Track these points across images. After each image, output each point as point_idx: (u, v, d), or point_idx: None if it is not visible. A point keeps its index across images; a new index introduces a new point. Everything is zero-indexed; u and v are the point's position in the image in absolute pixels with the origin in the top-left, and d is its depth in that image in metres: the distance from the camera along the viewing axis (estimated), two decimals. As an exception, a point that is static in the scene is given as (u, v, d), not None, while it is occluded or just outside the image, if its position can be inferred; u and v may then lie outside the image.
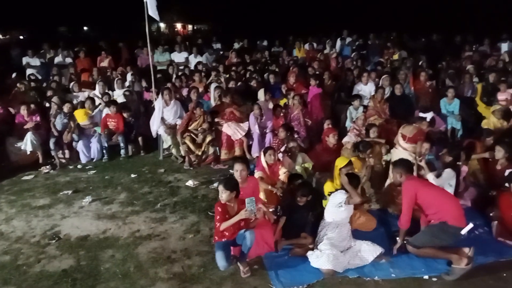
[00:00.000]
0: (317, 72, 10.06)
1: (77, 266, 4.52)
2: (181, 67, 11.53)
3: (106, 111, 8.31)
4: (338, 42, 13.76)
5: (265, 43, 15.58)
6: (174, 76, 10.66)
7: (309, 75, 9.96)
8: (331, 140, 6.60)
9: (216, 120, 7.84)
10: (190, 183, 6.64)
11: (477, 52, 12.50)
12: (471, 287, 4.03)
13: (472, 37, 13.98)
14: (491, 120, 7.46)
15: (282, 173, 5.66)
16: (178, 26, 32.94)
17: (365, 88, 9.06)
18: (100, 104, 8.53)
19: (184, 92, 9.25)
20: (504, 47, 12.85)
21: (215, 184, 6.44)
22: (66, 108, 8.07)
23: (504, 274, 4.22)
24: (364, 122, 7.30)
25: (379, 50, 13.03)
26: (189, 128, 7.56)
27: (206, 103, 8.59)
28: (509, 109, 7.94)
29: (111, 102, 8.30)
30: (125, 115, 8.20)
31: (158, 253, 4.72)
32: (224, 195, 4.23)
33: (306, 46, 13.57)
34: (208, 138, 7.44)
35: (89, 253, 4.76)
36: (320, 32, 15.42)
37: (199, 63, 11.64)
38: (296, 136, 7.39)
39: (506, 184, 4.84)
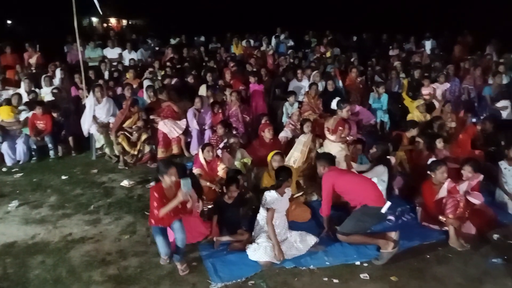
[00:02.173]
0: (255, 69, 10.17)
1: (3, 274, 4.27)
2: (114, 63, 11.13)
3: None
4: (273, 40, 13.99)
5: (202, 39, 15.48)
6: (107, 72, 10.29)
7: (247, 71, 10.05)
8: (267, 135, 6.72)
9: (151, 117, 7.67)
10: (125, 183, 6.46)
11: (403, 49, 13.27)
12: (398, 269, 4.29)
13: (399, 35, 14.80)
14: (415, 114, 7.97)
15: (221, 169, 5.70)
16: (112, 21, 31.68)
17: (300, 85, 9.29)
18: (24, 110, 7.99)
19: (119, 90, 8.96)
20: (428, 44, 13.80)
21: (152, 183, 6.32)
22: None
23: (428, 256, 4.55)
24: (299, 118, 7.51)
25: (314, 48, 13.43)
26: (123, 126, 7.34)
27: (141, 100, 8.38)
28: (432, 103, 8.54)
29: (37, 103, 7.83)
30: (54, 114, 7.79)
31: (92, 256, 4.57)
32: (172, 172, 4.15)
33: (243, 43, 13.67)
34: (144, 136, 7.25)
35: (16, 260, 4.51)
36: (257, 29, 15.56)
37: (133, 59, 11.33)
38: (234, 132, 7.43)
39: (429, 173, 5.18)
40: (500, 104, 8.41)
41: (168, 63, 10.75)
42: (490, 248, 4.70)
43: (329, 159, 5.00)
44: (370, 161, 6.16)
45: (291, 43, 14.32)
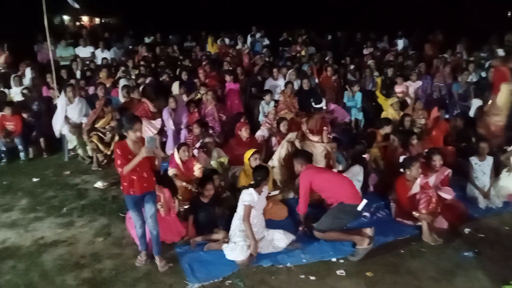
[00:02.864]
0: (231, 68, 10.15)
1: (-28, 281, 4.13)
2: (87, 62, 10.92)
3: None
4: (249, 39, 13.99)
5: (177, 37, 15.35)
6: (79, 72, 10.08)
7: (223, 70, 10.01)
8: (243, 134, 6.71)
9: (125, 117, 7.54)
10: (99, 184, 6.35)
11: (377, 48, 13.48)
12: (373, 264, 4.36)
13: (372, 34, 15.00)
14: (389, 112, 8.09)
15: (197, 169, 5.66)
16: (84, 19, 30.99)
17: (276, 83, 9.31)
18: None
19: (91, 90, 8.79)
20: (400, 43, 14.06)
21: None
22: None
23: (402, 251, 4.63)
24: (275, 116, 7.52)
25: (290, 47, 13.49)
26: (96, 126, 7.20)
27: (115, 100, 8.24)
28: (405, 101, 8.70)
29: (6, 104, 7.59)
30: (24, 115, 7.58)
31: (65, 260, 4.47)
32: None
33: (219, 42, 13.63)
34: (117, 137, 7.12)
35: (-14, 266, 4.37)
36: (232, 27, 15.54)
37: (105, 58, 11.15)
38: (211, 131, 7.40)
39: (402, 170, 5.27)
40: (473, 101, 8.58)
41: (142, 62, 10.60)
42: (461, 242, 4.82)
43: (307, 157, 5.05)
44: (345, 159, 6.23)
45: (266, 41, 14.34)
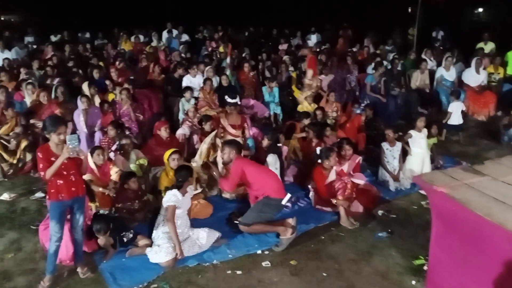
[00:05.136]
0: (145, 65, 9.85)
1: None
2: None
3: None
4: (165, 35, 13.69)
5: (87, 35, 14.58)
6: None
7: (138, 68, 9.69)
8: (163, 133, 6.54)
9: (32, 121, 6.99)
10: (5, 196, 5.81)
11: (291, 44, 13.89)
12: (297, 252, 4.50)
13: (287, 30, 15.44)
14: (304, 105, 8.39)
15: (114, 173, 5.43)
16: (-21, 17, 28.23)
17: (194, 80, 9.20)
18: None
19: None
20: (313, 38, 14.63)
21: (37, 194, 5.81)
22: None
23: (322, 237, 4.83)
24: (195, 114, 7.44)
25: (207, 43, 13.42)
26: (-1, 133, 6.60)
27: (19, 104, 7.59)
28: (319, 94, 9.07)
29: None
30: None
31: (-31, 282, 4.06)
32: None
33: (132, 39, 13.16)
34: (24, 143, 6.54)
35: None
36: (146, 23, 15.11)
37: (7, 58, 10.26)
38: (127, 132, 7.11)
39: (320, 161, 5.48)
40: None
41: (49, 62, 9.90)
42: (376, 224, 5.14)
43: (238, 146, 5.02)
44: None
45: (185, 37, 14.12)
